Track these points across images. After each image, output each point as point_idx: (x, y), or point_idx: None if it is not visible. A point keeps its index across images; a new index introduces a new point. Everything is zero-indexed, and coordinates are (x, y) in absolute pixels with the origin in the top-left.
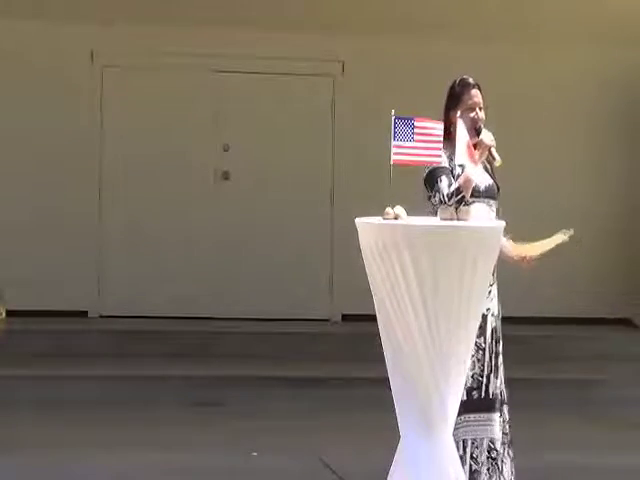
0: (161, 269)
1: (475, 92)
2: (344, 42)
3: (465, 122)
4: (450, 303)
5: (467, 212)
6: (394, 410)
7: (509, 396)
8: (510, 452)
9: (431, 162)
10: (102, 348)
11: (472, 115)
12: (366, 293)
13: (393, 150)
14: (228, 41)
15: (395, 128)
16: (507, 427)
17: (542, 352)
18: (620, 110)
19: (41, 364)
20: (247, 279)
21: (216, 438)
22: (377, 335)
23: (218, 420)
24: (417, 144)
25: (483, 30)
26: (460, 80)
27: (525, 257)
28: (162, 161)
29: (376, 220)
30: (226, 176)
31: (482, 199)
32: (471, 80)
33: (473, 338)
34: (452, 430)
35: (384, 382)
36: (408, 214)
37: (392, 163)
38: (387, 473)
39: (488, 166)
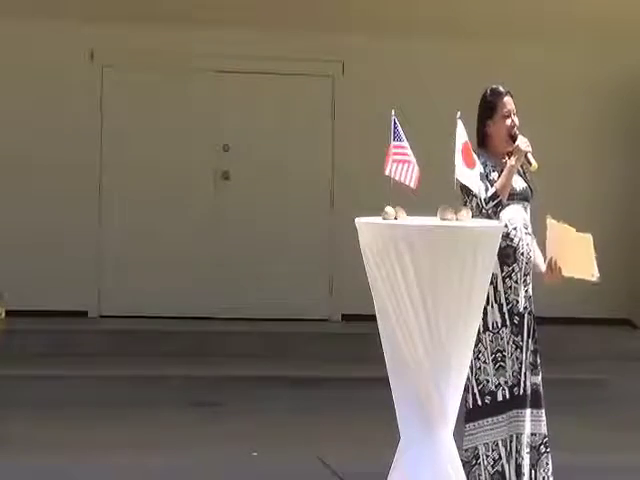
0: (161, 269)
1: (508, 99)
2: (344, 42)
3: (501, 129)
4: (450, 303)
5: (467, 213)
6: (394, 410)
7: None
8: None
9: None
10: (102, 348)
11: (507, 122)
12: (366, 293)
13: (392, 150)
14: (228, 41)
15: (395, 128)
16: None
17: (542, 352)
18: (620, 110)
19: (41, 364)
20: (247, 279)
21: (216, 438)
22: (377, 335)
23: (218, 420)
24: None
25: (482, 30)
26: (491, 90)
27: (556, 266)
28: (162, 161)
29: (376, 220)
30: (226, 176)
31: (517, 201)
32: (502, 88)
33: (473, 338)
34: (452, 429)
35: (384, 382)
36: (408, 214)
37: (390, 162)
38: (387, 473)
39: (521, 170)
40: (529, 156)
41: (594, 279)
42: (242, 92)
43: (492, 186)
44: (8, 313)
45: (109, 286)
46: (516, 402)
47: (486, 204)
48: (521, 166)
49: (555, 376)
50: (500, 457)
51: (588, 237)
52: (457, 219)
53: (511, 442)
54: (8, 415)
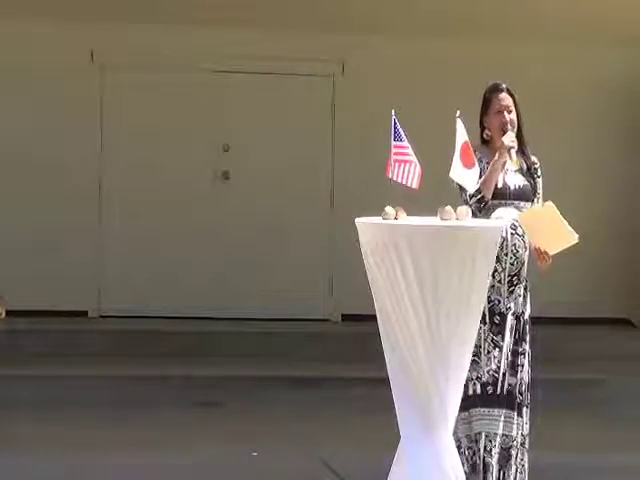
0: (161, 269)
1: (503, 96)
2: (344, 42)
3: (493, 125)
4: (450, 303)
5: (466, 213)
6: (394, 410)
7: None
8: (520, 454)
9: None
10: (102, 348)
11: (500, 118)
12: (366, 293)
13: (393, 150)
14: (228, 41)
15: (395, 128)
16: (524, 428)
17: (542, 352)
18: (620, 110)
19: (41, 364)
20: (247, 279)
21: (216, 438)
22: (377, 335)
23: (218, 420)
24: None
25: (482, 30)
26: (491, 85)
27: (540, 250)
28: (162, 161)
29: (376, 220)
30: (226, 176)
31: (510, 201)
32: (500, 85)
33: (474, 337)
34: (452, 429)
35: (384, 382)
36: (408, 214)
37: (392, 163)
38: (387, 473)
39: (524, 167)
40: (512, 152)
41: (575, 241)
42: (242, 92)
43: None
44: (8, 313)
45: (109, 286)
46: (490, 401)
47: (470, 199)
48: (525, 162)
49: (555, 376)
50: (475, 451)
51: (549, 205)
52: (457, 219)
53: (479, 440)
54: (8, 415)
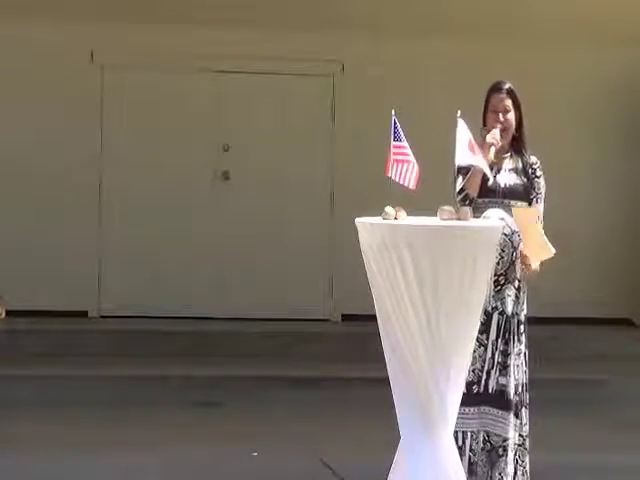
0: (161, 269)
1: (500, 96)
2: (344, 42)
3: (490, 124)
4: (450, 303)
5: (467, 212)
6: (394, 410)
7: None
8: (521, 455)
9: None
10: (102, 348)
11: (494, 118)
12: (366, 293)
13: (392, 150)
14: (228, 41)
15: (395, 128)
16: (524, 429)
17: (542, 352)
18: (620, 110)
19: (41, 364)
20: (247, 279)
21: (216, 438)
22: (377, 335)
23: (218, 420)
24: None
25: (482, 30)
26: (492, 84)
27: (523, 254)
28: (162, 161)
29: (376, 220)
30: (226, 176)
31: (500, 200)
32: (500, 84)
33: (474, 337)
34: (452, 429)
35: (384, 382)
36: (408, 214)
37: (391, 162)
38: (387, 473)
39: (520, 166)
40: (491, 149)
41: (551, 255)
42: (242, 92)
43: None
44: (8, 313)
45: (109, 286)
46: (475, 400)
47: (457, 196)
48: (522, 162)
49: (555, 376)
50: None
51: (532, 210)
52: (457, 219)
53: (465, 439)
54: (8, 415)
